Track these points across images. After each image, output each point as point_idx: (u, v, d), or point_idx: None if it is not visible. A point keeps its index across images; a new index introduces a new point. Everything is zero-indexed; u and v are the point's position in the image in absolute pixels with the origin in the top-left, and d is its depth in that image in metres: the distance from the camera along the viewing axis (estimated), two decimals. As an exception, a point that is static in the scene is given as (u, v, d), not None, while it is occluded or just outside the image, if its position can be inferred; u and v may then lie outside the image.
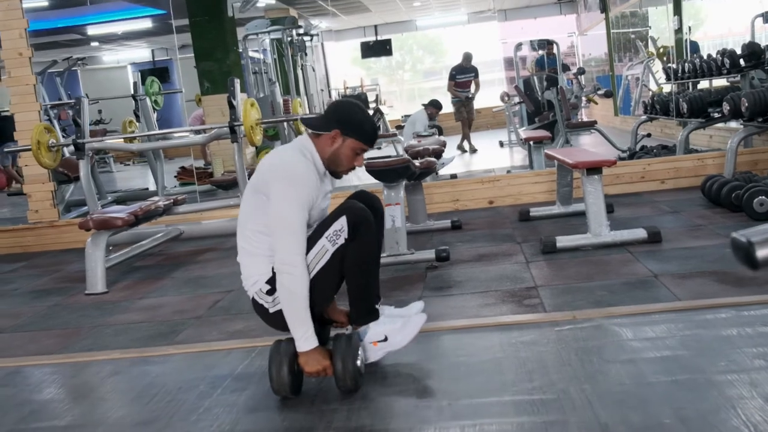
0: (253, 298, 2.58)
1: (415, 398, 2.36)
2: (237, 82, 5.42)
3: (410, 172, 4.27)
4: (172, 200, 5.27)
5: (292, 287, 2.41)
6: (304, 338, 2.43)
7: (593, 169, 4.09)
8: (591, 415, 2.07)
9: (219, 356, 2.97)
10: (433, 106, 10.16)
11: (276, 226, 2.43)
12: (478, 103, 12.43)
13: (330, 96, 15.10)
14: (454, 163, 8.55)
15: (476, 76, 11.68)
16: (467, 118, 11.46)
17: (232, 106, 5.33)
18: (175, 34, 9.49)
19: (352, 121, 2.52)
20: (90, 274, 4.42)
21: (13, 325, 3.92)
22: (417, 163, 4.50)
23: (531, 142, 6.65)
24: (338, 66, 18.04)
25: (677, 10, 9.32)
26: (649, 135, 8.48)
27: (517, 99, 10.86)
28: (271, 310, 2.53)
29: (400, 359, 2.67)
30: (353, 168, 2.60)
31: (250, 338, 3.15)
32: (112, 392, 2.75)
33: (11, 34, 6.07)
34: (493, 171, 7.57)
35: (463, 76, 11.62)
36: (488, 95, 14.96)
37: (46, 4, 10.29)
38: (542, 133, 7.23)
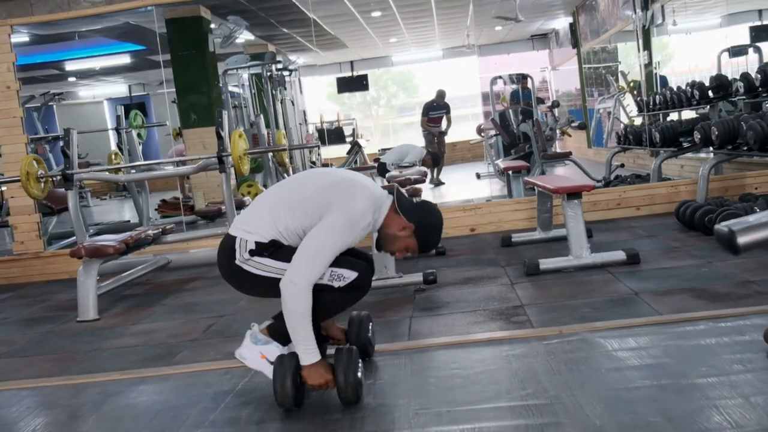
0: (233, 243, 2.66)
1: (414, 407, 2.47)
2: (225, 114, 5.54)
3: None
4: (160, 229, 5.34)
5: (292, 307, 2.51)
6: (307, 352, 2.53)
7: (573, 194, 4.26)
8: (583, 417, 2.20)
9: (218, 374, 3.05)
10: (432, 158, 10.42)
11: (307, 245, 2.55)
12: (454, 137, 12.72)
13: (308, 130, 15.27)
14: (432, 194, 8.73)
15: (448, 112, 12.05)
16: (439, 151, 11.74)
17: (220, 137, 5.45)
18: (162, 68, 9.62)
19: (427, 232, 2.73)
20: (82, 301, 4.47)
21: (7, 351, 3.96)
22: (403, 190, 4.63)
23: (510, 172, 6.83)
24: (314, 101, 18.24)
25: (647, 45, 9.64)
26: (622, 165, 8.73)
27: (493, 132, 11.10)
28: (237, 262, 2.65)
29: (396, 373, 2.77)
30: (393, 253, 2.78)
31: (248, 357, 3.23)
32: (115, 410, 2.81)
33: (0, 68, 6.15)
34: (472, 201, 7.74)
35: (436, 112, 12.01)
36: (464, 129, 15.24)
37: (26, 39, 10.38)
38: (520, 163, 7.43)
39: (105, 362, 3.51)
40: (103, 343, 3.88)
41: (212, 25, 9.96)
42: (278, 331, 2.73)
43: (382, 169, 8.99)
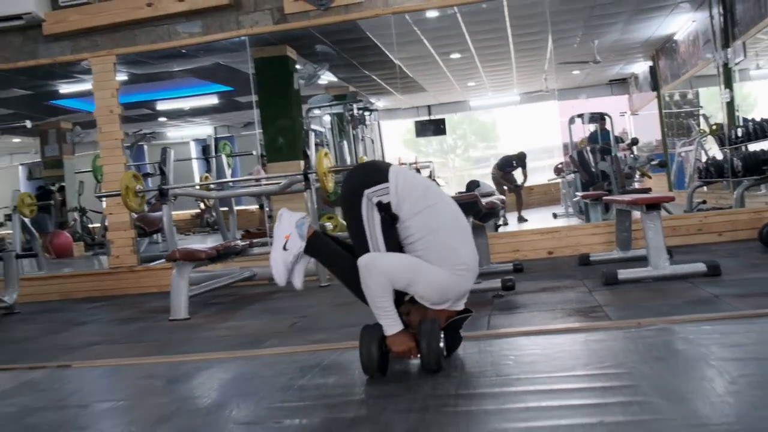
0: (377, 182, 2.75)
1: (494, 376, 2.56)
2: (312, 135, 5.81)
3: (477, 209, 4.53)
4: (248, 242, 5.60)
5: (370, 284, 2.64)
6: (389, 323, 2.67)
7: (652, 205, 4.30)
8: (660, 380, 2.25)
9: (306, 355, 3.21)
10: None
11: (410, 258, 2.71)
12: (531, 181, 12.92)
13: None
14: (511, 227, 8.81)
15: (524, 167, 12.26)
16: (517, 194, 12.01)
17: (306, 156, 5.71)
18: (255, 108, 10.08)
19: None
20: (174, 301, 4.72)
21: (107, 339, 4.22)
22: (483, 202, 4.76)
23: (588, 200, 6.87)
24: (392, 145, 18.60)
25: (728, 84, 9.58)
26: (704, 202, 8.61)
27: (571, 168, 11.11)
28: (363, 196, 2.72)
29: (475, 353, 2.87)
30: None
31: (333, 342, 3.38)
32: (211, 379, 2.99)
33: (104, 94, 6.61)
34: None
35: (512, 168, 12.27)
36: (541, 173, 15.29)
37: (125, 78, 11.05)
38: (598, 192, 7.44)
39: (200, 346, 3.71)
40: (195, 335, 4.09)
41: (297, 66, 10.40)
42: (314, 248, 2.89)
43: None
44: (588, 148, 10.82)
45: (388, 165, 2.86)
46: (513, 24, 9.86)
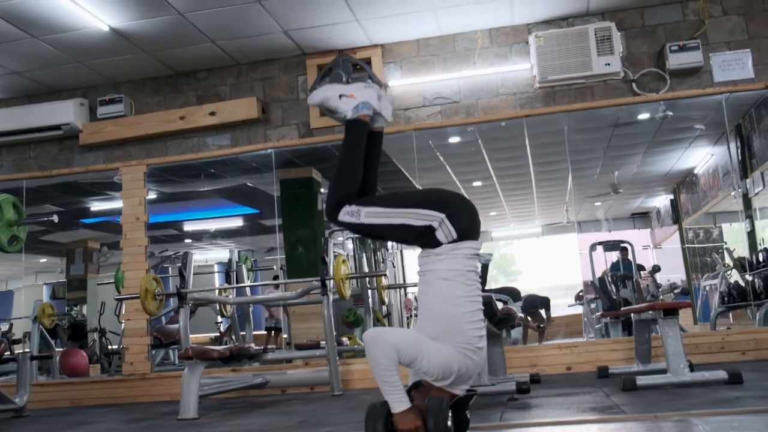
0: None
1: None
2: (331, 242, 5.89)
3: (492, 311, 4.50)
4: (263, 347, 5.57)
5: (377, 357, 2.61)
6: (397, 400, 2.61)
7: (669, 311, 4.25)
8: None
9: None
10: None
11: (418, 336, 2.70)
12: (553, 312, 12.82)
13: (406, 295, 15.54)
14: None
15: (548, 310, 12.22)
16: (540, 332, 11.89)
17: (324, 262, 5.77)
18: (278, 233, 10.24)
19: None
20: (184, 399, 4.65)
21: (112, 432, 4.14)
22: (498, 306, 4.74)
23: (608, 318, 6.78)
24: (413, 272, 18.63)
25: (748, 213, 9.62)
26: (728, 328, 8.45)
27: (593, 295, 11.02)
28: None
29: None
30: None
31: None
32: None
33: (132, 201, 6.80)
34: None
35: (535, 309, 12.24)
36: (564, 304, 15.12)
37: (154, 197, 11.36)
38: (619, 311, 7.34)
39: (202, 440, 3.63)
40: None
41: (322, 189, 10.66)
42: (355, 128, 2.89)
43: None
44: (609, 275, 10.78)
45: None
46: (533, 152, 10.10)
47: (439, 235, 2.75)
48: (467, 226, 2.82)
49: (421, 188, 2.83)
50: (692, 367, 4.80)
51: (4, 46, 6.01)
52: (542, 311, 12.45)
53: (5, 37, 5.84)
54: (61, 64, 6.46)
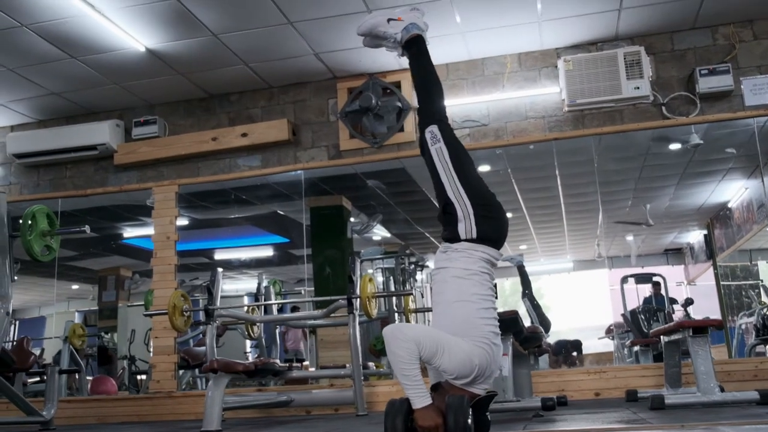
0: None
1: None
2: (358, 261, 5.90)
3: (518, 328, 4.46)
4: (288, 364, 5.56)
5: (397, 351, 2.61)
6: (418, 396, 2.60)
7: (699, 329, 4.18)
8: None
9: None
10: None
11: (439, 333, 2.71)
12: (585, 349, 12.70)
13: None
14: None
15: (580, 353, 12.10)
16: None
17: (351, 281, 5.77)
18: (305, 264, 10.28)
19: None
20: (208, 411, 4.65)
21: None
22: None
23: (639, 346, 6.67)
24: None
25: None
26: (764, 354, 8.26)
27: (624, 327, 10.85)
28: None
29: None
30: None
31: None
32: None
33: (163, 221, 6.90)
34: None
35: (567, 352, 12.17)
36: (593, 345, 14.91)
37: (186, 223, 11.49)
38: (649, 339, 7.23)
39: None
40: (223, 439, 4.00)
41: (351, 219, 10.71)
42: (416, 45, 3.10)
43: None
44: (641, 309, 10.63)
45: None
46: (564, 182, 10.06)
47: (461, 227, 2.77)
48: (490, 233, 2.84)
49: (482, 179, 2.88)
50: (722, 389, 4.71)
51: (45, 67, 6.18)
52: (574, 354, 12.35)
53: (46, 57, 6.01)
54: (99, 86, 6.62)
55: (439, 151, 2.92)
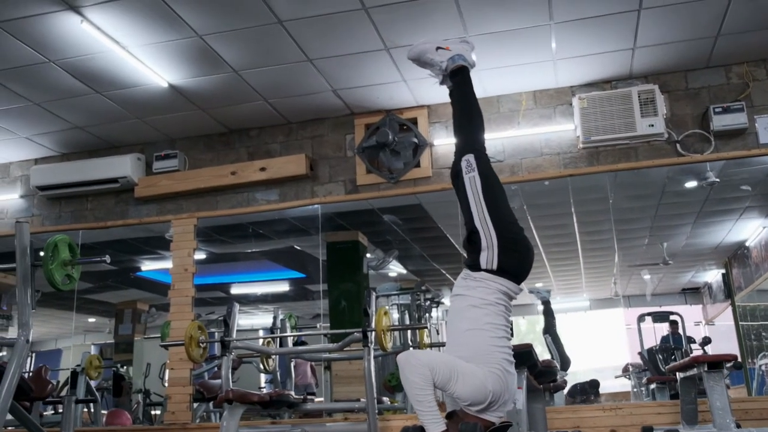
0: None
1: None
2: (374, 294, 5.94)
3: (532, 361, 4.47)
4: (302, 396, 5.58)
5: (411, 377, 2.65)
6: (432, 421, 2.63)
7: (714, 363, 4.17)
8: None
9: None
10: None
11: (453, 359, 2.75)
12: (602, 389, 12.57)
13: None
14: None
15: (597, 395, 12.03)
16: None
17: (366, 314, 5.81)
18: (321, 299, 10.32)
19: None
20: (222, 441, 4.68)
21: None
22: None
23: (655, 383, 6.63)
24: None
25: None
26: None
27: (642, 366, 10.76)
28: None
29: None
30: None
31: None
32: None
33: (181, 253, 6.99)
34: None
35: (585, 395, 12.10)
36: (611, 386, 14.76)
37: (204, 257, 11.58)
38: (665, 376, 7.18)
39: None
40: (237, 468, 4.02)
41: (368, 254, 10.76)
42: (462, 76, 3.22)
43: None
44: (658, 348, 10.56)
45: None
46: (579, 220, 10.07)
47: (483, 256, 2.82)
48: (512, 266, 2.89)
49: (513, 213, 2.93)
50: (739, 425, 4.68)
51: (70, 101, 6.34)
52: (592, 397, 12.24)
53: (71, 92, 6.17)
54: (121, 120, 6.77)
55: (472, 180, 2.99)
